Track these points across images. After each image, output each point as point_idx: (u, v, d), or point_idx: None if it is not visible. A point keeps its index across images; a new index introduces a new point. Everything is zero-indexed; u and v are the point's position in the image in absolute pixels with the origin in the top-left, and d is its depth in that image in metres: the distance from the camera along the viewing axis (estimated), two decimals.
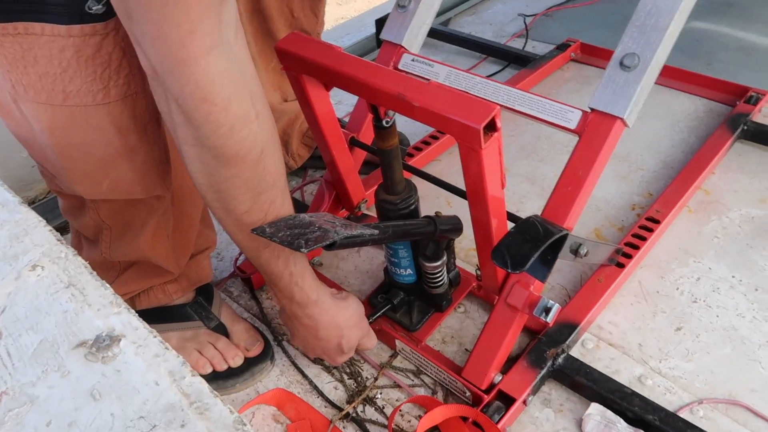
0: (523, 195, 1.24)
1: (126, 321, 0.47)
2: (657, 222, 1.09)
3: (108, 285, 0.50)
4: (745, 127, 1.33)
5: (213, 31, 0.54)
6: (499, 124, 0.66)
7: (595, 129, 0.83)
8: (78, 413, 0.41)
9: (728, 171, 1.27)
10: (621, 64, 0.82)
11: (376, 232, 0.66)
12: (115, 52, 0.63)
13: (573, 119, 0.85)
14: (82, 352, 0.45)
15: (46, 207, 1.26)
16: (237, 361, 0.91)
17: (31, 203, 1.37)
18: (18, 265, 0.52)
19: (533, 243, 0.65)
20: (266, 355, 0.93)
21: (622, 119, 0.82)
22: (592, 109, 0.84)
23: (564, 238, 0.71)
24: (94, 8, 0.59)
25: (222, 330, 0.94)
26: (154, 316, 0.90)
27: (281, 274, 0.73)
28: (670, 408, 0.83)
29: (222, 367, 0.90)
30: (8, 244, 0.54)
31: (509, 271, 0.63)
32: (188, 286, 0.93)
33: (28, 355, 0.45)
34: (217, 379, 0.90)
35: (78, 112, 0.66)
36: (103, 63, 0.63)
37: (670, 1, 0.80)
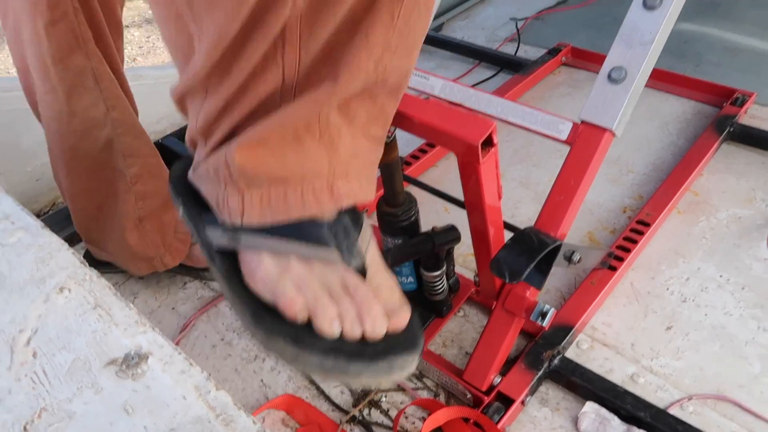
0: (517, 200, 1.28)
1: (152, 339, 0.50)
2: (647, 225, 1.13)
3: (132, 305, 0.54)
4: (732, 129, 1.37)
5: None
6: (495, 139, 0.70)
7: (585, 140, 0.87)
8: (113, 427, 0.44)
9: (716, 172, 1.32)
10: (609, 77, 0.86)
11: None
12: None
13: (564, 130, 0.89)
14: (113, 369, 0.48)
15: (52, 219, 1.29)
16: (377, 328, 0.54)
17: (37, 215, 1.40)
18: (46, 288, 0.56)
19: (529, 254, 0.69)
20: (414, 340, 0.55)
21: (611, 130, 0.86)
22: (582, 121, 0.88)
23: (558, 248, 0.75)
24: None
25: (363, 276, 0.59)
26: (274, 229, 0.56)
27: None
28: (661, 404, 0.87)
29: (354, 332, 0.53)
30: (35, 268, 0.58)
31: (507, 281, 0.67)
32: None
33: (62, 373, 0.48)
34: (339, 353, 0.52)
35: None
36: None
37: (654, 17, 0.84)
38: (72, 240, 1.24)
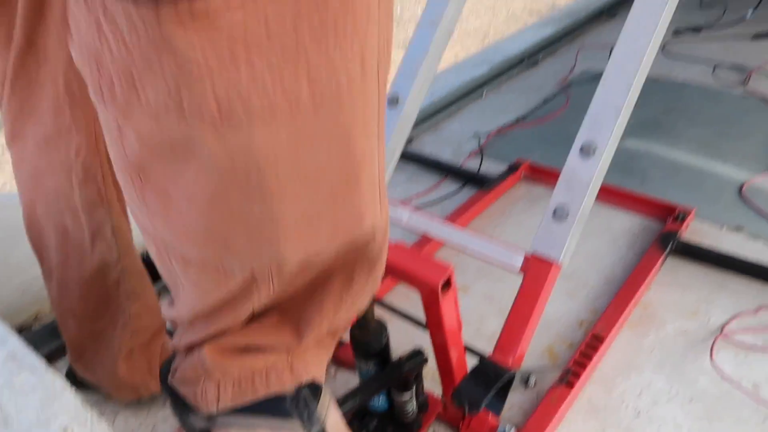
0: (482, 314, 1.37)
1: None
2: (601, 339, 1.22)
3: None
4: (675, 245, 1.50)
5: None
6: (453, 281, 0.80)
7: (536, 271, 0.98)
8: None
9: (663, 285, 1.43)
10: (554, 214, 0.98)
11: (356, 400, 0.78)
12: None
13: (517, 261, 1.00)
14: None
15: (38, 335, 1.33)
16: None
17: (20, 328, 1.44)
18: (50, 430, 0.61)
19: (486, 385, 0.77)
20: None
21: (558, 262, 0.97)
22: (533, 252, 0.99)
23: (512, 378, 0.83)
24: None
25: None
26: (242, 408, 0.66)
27: None
28: None
29: None
30: (40, 409, 0.63)
31: (467, 413, 0.74)
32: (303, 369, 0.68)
33: None
34: None
35: (322, 113, 0.47)
36: (362, 6, 0.45)
37: (590, 164, 0.98)
38: (54, 356, 1.28)
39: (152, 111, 0.44)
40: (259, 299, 0.58)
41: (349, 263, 0.59)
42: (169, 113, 0.44)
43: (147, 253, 0.62)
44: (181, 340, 0.65)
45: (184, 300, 0.60)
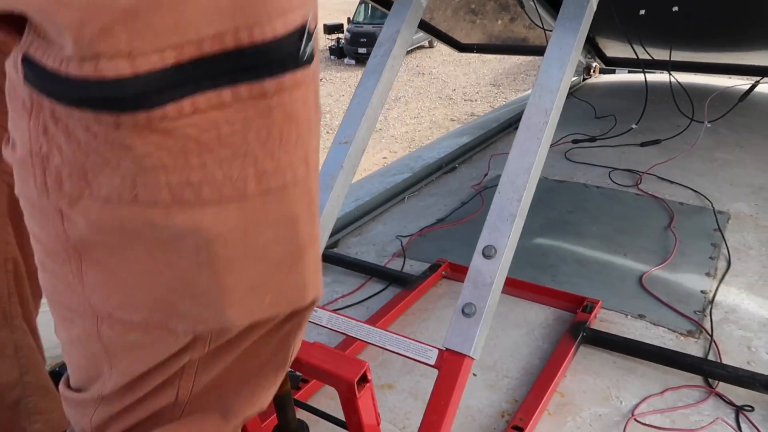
0: (408, 411, 1.39)
1: None
2: (521, 430, 1.27)
3: None
4: (584, 334, 1.60)
5: None
6: (370, 377, 0.84)
7: (449, 365, 1.03)
8: None
9: (577, 373, 1.51)
10: (462, 312, 1.06)
11: None
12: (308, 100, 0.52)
13: (432, 356, 1.05)
14: None
15: None
16: None
17: None
18: None
19: None
20: None
21: (470, 356, 1.03)
22: (446, 348, 1.05)
23: None
24: (308, 51, 0.48)
25: None
26: None
27: None
28: None
29: None
30: None
31: None
32: None
33: None
34: None
35: (270, 202, 0.52)
36: (304, 119, 0.52)
37: (492, 264, 1.07)
38: None
39: (104, 198, 0.47)
40: (191, 369, 0.58)
41: (286, 333, 0.61)
42: (122, 200, 0.47)
43: (55, 367, 0.59)
44: (94, 420, 0.62)
45: (113, 373, 0.59)
